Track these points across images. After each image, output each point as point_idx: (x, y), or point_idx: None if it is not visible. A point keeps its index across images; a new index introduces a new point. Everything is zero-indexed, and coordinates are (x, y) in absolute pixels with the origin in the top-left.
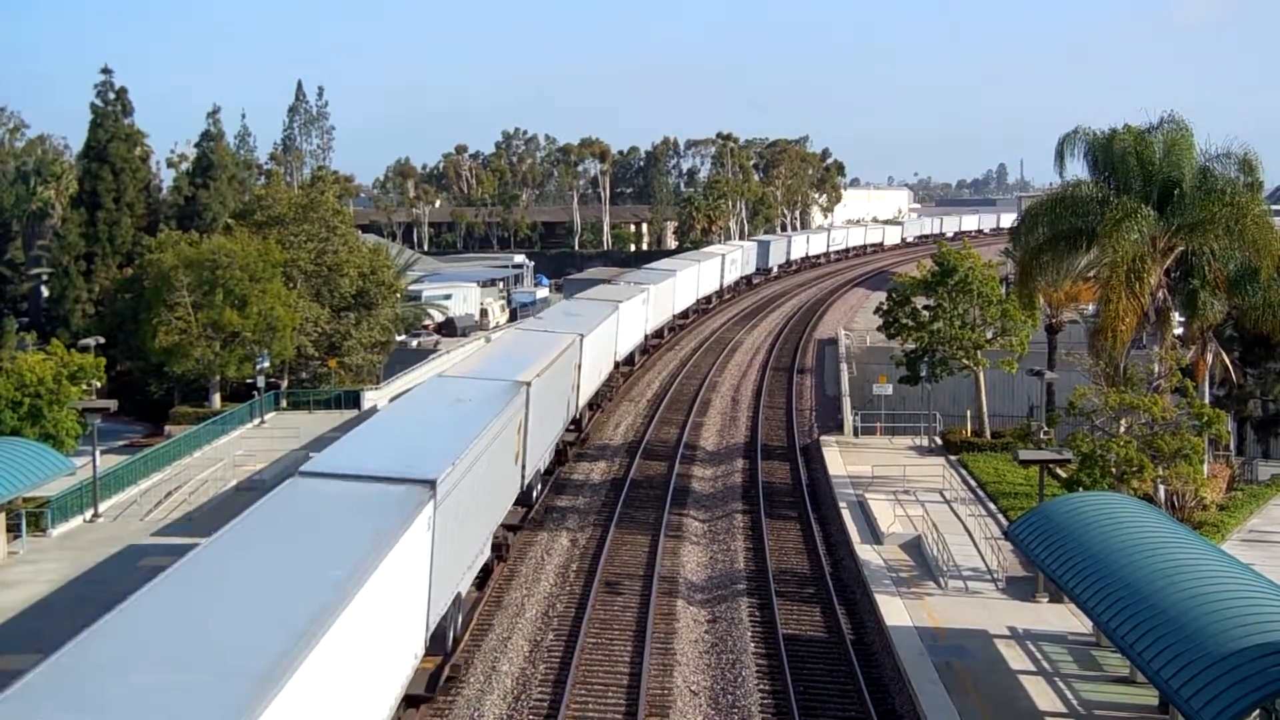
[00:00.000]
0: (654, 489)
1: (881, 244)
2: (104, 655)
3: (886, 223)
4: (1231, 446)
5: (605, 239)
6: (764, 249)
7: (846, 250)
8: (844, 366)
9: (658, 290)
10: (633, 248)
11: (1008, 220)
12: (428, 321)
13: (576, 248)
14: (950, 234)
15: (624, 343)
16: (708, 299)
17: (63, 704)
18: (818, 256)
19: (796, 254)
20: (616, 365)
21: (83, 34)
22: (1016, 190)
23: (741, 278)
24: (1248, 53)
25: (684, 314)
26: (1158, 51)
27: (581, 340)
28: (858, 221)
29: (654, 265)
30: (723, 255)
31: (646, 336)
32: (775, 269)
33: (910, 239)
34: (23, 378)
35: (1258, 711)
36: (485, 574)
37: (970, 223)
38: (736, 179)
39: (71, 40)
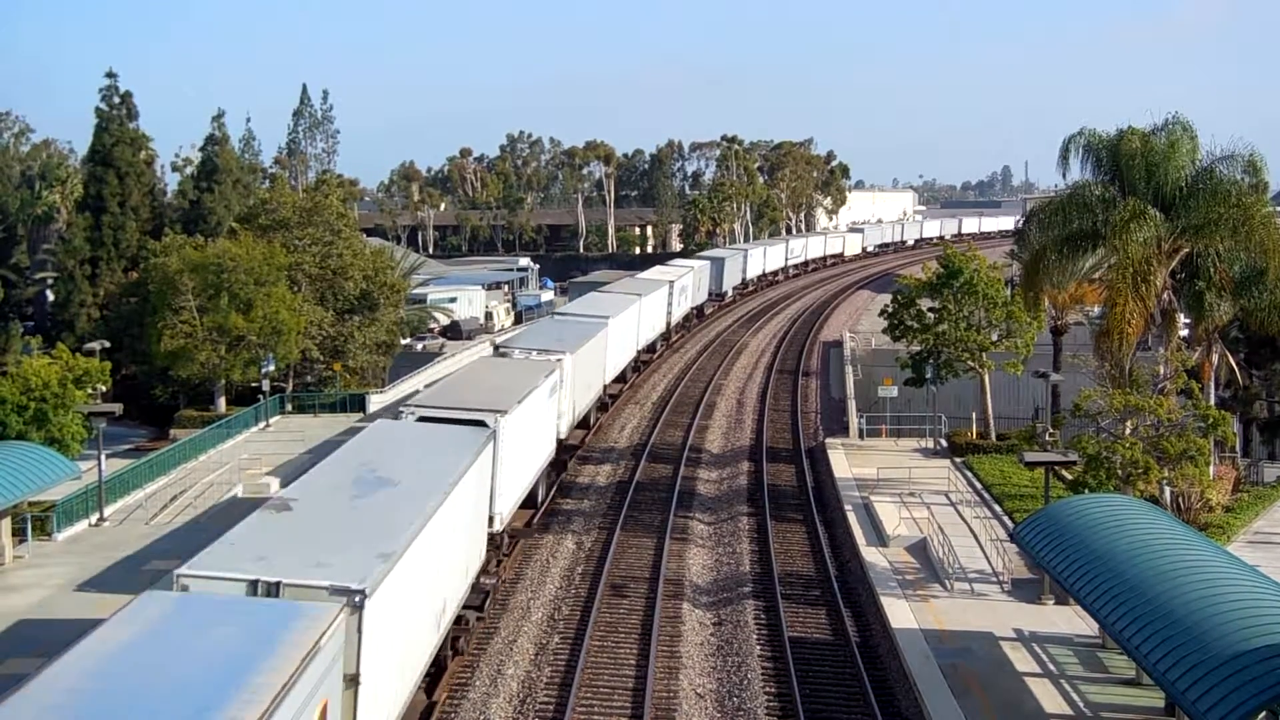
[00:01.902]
0: (659, 491)
1: (842, 254)
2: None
3: (849, 230)
4: (1237, 448)
5: (610, 242)
6: (718, 269)
7: (806, 263)
8: (849, 369)
9: (577, 360)
10: (637, 250)
11: (970, 226)
12: (433, 325)
13: (581, 250)
14: (911, 241)
15: (509, 490)
16: (651, 346)
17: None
18: (774, 273)
19: (753, 271)
20: (494, 539)
21: (87, 38)
22: (1021, 192)
23: (693, 309)
24: (1249, 53)
25: (621, 376)
26: (1159, 52)
27: (361, 609)
28: (820, 230)
29: (570, 311)
30: (670, 283)
31: (560, 442)
32: (730, 292)
33: (870, 248)
34: (28, 382)
35: (1264, 714)
36: None
37: (932, 229)
38: (741, 181)
39: (76, 44)
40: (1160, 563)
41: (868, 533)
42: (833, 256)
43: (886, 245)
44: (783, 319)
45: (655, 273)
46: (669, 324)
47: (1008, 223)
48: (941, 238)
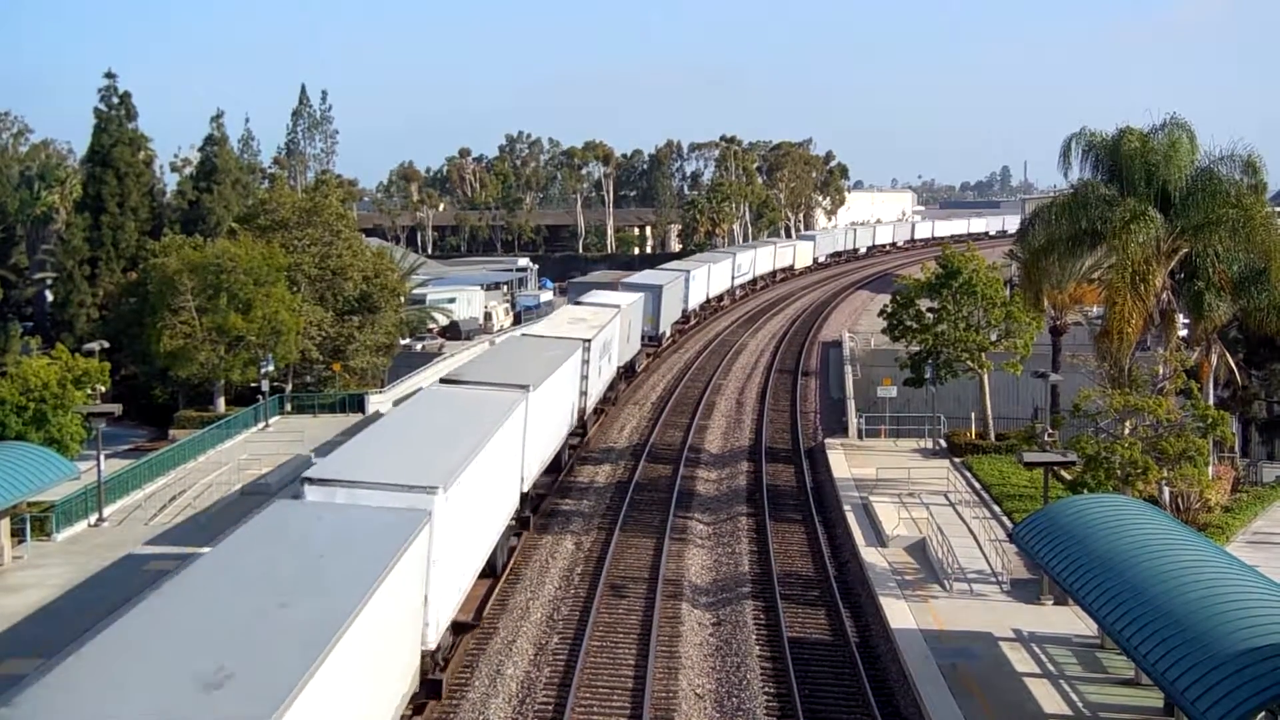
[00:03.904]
0: (659, 491)
1: (792, 266)
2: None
3: (800, 238)
4: (1236, 448)
5: (609, 242)
6: (654, 301)
7: (754, 281)
8: (848, 369)
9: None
10: (636, 251)
11: (925, 232)
12: (432, 325)
13: (581, 251)
14: (863, 249)
15: None
16: (557, 458)
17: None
18: (719, 297)
19: (696, 299)
20: None
21: (86, 38)
22: (1020, 192)
23: (619, 370)
24: (1249, 53)
25: (489, 565)
26: (1159, 52)
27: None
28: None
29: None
30: (584, 342)
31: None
32: (667, 332)
33: (822, 258)
34: (27, 382)
35: (1263, 714)
36: None
37: (885, 235)
38: (740, 182)
39: (75, 44)
40: (1159, 563)
41: (867, 533)
42: (783, 270)
43: (839, 254)
44: (782, 319)
45: (562, 322)
46: (582, 411)
47: (961, 226)
48: (894, 244)
